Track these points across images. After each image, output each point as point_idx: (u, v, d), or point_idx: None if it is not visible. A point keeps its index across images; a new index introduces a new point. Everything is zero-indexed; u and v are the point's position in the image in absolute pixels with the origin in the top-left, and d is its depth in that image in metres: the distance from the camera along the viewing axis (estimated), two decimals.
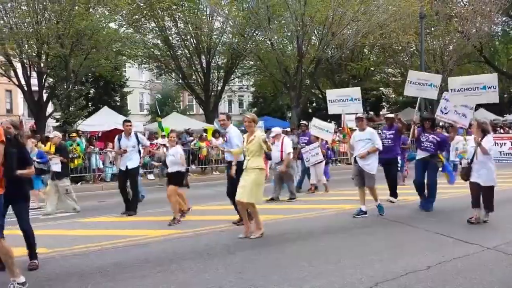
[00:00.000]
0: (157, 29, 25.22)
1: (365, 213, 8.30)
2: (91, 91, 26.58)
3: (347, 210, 9.04)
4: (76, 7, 18.57)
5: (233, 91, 35.48)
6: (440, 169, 8.99)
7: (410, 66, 28.15)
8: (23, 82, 21.78)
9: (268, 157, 16.10)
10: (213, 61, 27.63)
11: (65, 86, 18.69)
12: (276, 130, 11.20)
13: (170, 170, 8.79)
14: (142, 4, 22.17)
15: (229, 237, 7.12)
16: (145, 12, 22.89)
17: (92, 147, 16.87)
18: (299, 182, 12.41)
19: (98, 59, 21.37)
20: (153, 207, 10.13)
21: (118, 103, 32.10)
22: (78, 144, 15.85)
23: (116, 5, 18.97)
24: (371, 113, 35.53)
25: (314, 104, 38.77)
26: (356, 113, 10.44)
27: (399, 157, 10.45)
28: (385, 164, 10.01)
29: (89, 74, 23.69)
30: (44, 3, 18.90)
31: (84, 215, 9.76)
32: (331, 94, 11.17)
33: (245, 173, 6.99)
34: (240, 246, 6.54)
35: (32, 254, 5.83)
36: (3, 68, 22.70)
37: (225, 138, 8.05)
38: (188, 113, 43.01)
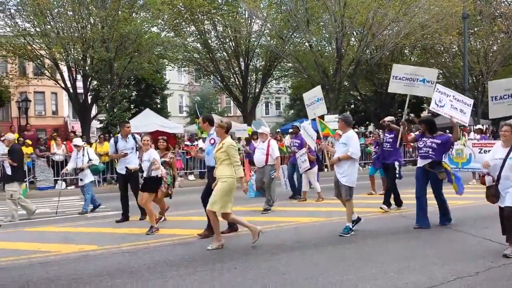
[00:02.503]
0: (197, 32, 25.70)
1: (358, 220, 7.53)
2: (133, 94, 27.29)
3: (390, 214, 8.96)
4: (120, 12, 19.14)
5: (270, 93, 35.61)
6: (446, 180, 7.70)
7: (453, 67, 27.52)
8: (69, 84, 22.69)
9: (250, 161, 15.49)
10: (251, 63, 27.88)
11: (109, 89, 19.29)
12: (263, 129, 10.57)
13: (145, 175, 8.25)
14: (182, 9, 22.62)
15: (272, 238, 7.18)
16: (185, 16, 23.36)
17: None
18: (294, 188, 11.84)
19: (141, 63, 21.96)
20: (196, 207, 10.27)
21: (158, 105, 32.79)
22: None
23: (158, 9, 19.44)
24: (412, 115, 34.80)
25: (353, 106, 38.34)
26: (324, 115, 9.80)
27: (396, 163, 9.40)
28: (383, 169, 9.70)
29: (131, 77, 24.38)
30: (90, 8, 19.60)
31: (130, 213, 9.98)
32: (306, 98, 9.94)
33: (217, 181, 6.68)
34: (283, 247, 6.59)
35: None
36: (49, 71, 23.71)
37: (211, 141, 7.48)
38: (226, 114, 43.52)
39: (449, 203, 9.34)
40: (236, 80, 28.35)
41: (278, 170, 9.91)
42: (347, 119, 7.54)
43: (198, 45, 27.11)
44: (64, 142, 16.68)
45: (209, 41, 26.34)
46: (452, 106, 8.18)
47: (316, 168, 11.47)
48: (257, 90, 29.06)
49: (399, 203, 9.50)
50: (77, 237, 7.78)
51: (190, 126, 30.21)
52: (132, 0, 20.38)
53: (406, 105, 9.12)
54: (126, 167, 9.11)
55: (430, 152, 7.56)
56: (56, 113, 39.69)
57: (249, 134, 18.81)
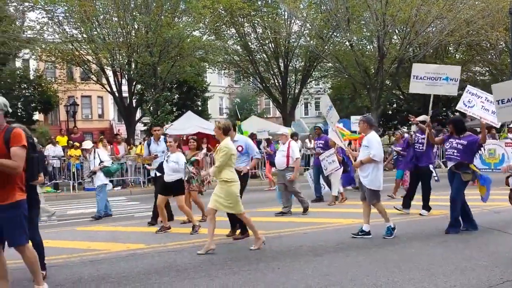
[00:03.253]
0: (236, 35, 25.98)
1: (368, 233, 7.19)
2: (175, 97, 27.86)
3: (436, 216, 8.77)
4: (163, 17, 19.61)
5: (310, 93, 35.46)
6: (471, 182, 7.40)
7: (500, 64, 26.51)
8: (114, 88, 23.44)
9: (271, 162, 15.17)
10: (290, 64, 27.89)
11: (153, 92, 19.78)
12: (283, 130, 10.35)
13: (169, 178, 8.16)
14: (223, 12, 22.93)
15: (313, 239, 7.19)
16: (225, 19, 23.66)
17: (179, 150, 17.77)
18: (317, 191, 11.65)
19: (183, 66, 22.41)
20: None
21: (199, 108, 33.28)
22: None
23: (200, 13, 19.78)
24: (457, 114, 33.71)
25: (395, 105, 37.57)
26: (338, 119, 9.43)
27: (431, 166, 8.96)
28: (415, 173, 9.18)
29: (174, 80, 24.93)
30: (134, 14, 20.18)
31: (175, 214, 10.12)
32: (322, 110, 9.73)
33: (217, 184, 6.69)
34: (326, 248, 6.59)
35: (42, 264, 5.36)
36: (96, 75, 24.58)
37: (238, 148, 7.50)
38: (265, 116, 43.65)
39: (492, 205, 9.02)
40: (276, 81, 28.45)
41: (296, 172, 9.57)
42: (369, 120, 7.37)
43: (238, 47, 27.40)
44: (111, 145, 17.28)
45: (249, 43, 26.57)
46: (483, 107, 7.95)
47: (341, 170, 11.14)
48: (296, 91, 29.06)
49: (407, 205, 9.18)
50: (125, 236, 8.04)
51: None
52: (174, 5, 20.81)
53: (430, 105, 8.89)
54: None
55: (454, 154, 7.32)
56: (102, 117, 41.06)
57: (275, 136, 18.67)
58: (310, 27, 24.69)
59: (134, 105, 24.05)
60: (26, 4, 20.78)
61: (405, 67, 26.13)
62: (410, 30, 22.26)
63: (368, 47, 26.44)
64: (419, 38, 22.67)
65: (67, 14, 21.33)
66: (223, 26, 24.66)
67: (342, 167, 11.24)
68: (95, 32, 20.93)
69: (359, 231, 7.24)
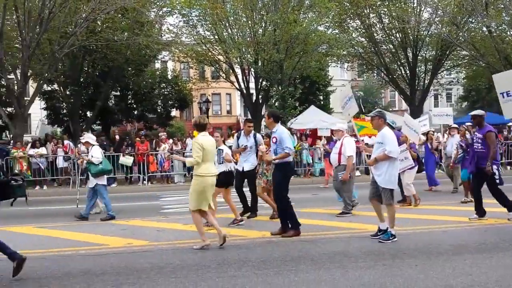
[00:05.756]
0: (361, 27, 25.45)
1: (385, 231, 6.81)
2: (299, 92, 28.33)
3: None
4: (289, 15, 20.02)
5: (440, 84, 33.32)
6: None
7: None
8: (242, 86, 24.55)
9: (329, 161, 14.15)
10: (420, 54, 26.54)
11: (279, 88, 20.36)
12: (339, 125, 9.67)
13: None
14: (348, 5, 22.66)
15: (452, 237, 6.91)
16: (351, 11, 23.34)
17: (304, 144, 18.06)
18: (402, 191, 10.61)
19: (308, 61, 22.64)
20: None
21: (321, 102, 33.27)
22: None
23: (326, 7, 19.82)
24: None
25: None
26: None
27: (494, 166, 7.90)
28: (476, 174, 8.10)
29: (297, 76, 25.32)
30: (262, 13, 20.92)
31: (303, 205, 10.20)
32: (340, 100, 9.45)
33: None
34: (467, 248, 6.30)
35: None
36: (225, 74, 26.00)
37: (273, 140, 7.33)
38: (390, 109, 42.10)
39: None
40: (403, 72, 27.33)
41: (347, 172, 8.99)
42: (384, 115, 7.05)
43: (363, 39, 26.83)
44: None
45: (374, 34, 25.87)
46: None
47: (415, 169, 10.16)
48: (426, 81, 27.58)
49: (481, 212, 8.19)
50: (259, 225, 8.44)
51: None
52: (300, 1, 21.11)
53: None
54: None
55: None
56: (230, 113, 43.32)
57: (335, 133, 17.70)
58: (442, 13, 23.24)
59: (260, 101, 24.93)
60: (165, 9, 22.72)
61: None
62: None
63: (509, 32, 24.04)
64: None
65: (201, 17, 22.84)
66: (348, 19, 24.35)
67: (417, 166, 10.30)
68: (226, 33, 22.09)
69: (377, 231, 6.97)
